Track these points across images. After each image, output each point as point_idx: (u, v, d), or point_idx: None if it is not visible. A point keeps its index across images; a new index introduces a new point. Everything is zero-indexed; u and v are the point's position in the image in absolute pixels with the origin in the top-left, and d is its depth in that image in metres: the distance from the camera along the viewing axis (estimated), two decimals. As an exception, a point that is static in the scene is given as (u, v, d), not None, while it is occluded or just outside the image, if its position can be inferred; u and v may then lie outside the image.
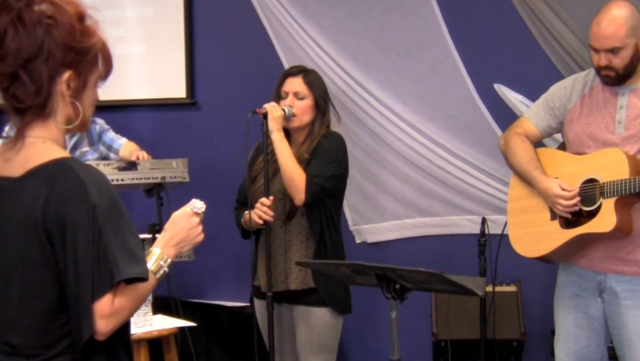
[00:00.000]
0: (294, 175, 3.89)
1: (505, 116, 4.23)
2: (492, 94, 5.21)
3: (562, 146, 3.92)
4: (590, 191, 3.62)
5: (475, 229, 4.80)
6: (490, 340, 4.75)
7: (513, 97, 5.11)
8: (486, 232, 4.64)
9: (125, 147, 5.26)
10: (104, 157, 5.36)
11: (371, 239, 5.69)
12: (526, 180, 3.84)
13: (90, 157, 5.31)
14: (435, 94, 5.36)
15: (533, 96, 4.27)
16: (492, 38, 5.24)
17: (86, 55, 2.16)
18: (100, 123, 5.42)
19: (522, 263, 3.95)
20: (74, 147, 5.31)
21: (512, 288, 4.98)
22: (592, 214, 3.61)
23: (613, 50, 3.57)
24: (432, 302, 5.02)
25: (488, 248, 4.58)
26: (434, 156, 5.36)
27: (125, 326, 2.22)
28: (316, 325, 4.00)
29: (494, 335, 4.78)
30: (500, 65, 5.22)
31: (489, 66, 5.25)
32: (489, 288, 4.76)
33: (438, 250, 5.45)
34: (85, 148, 5.34)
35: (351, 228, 5.68)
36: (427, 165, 5.40)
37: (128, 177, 4.87)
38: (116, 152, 5.28)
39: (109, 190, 2.12)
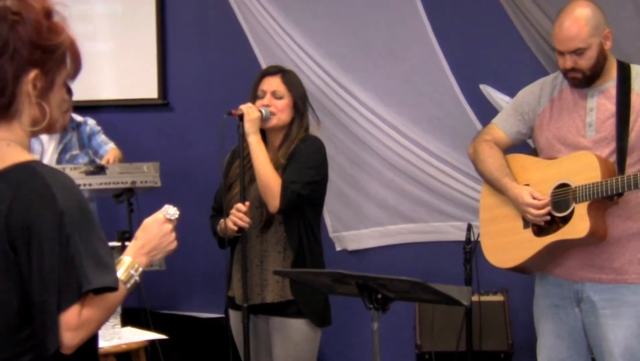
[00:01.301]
0: (270, 180, 3.88)
1: (492, 118, 4.24)
2: (478, 95, 5.24)
3: (534, 152, 3.94)
4: (563, 196, 3.64)
5: (461, 235, 4.82)
6: (477, 351, 4.77)
7: (500, 99, 5.14)
8: (472, 239, 4.65)
9: (109, 153, 5.26)
10: (92, 161, 5.36)
11: (352, 246, 5.70)
12: (496, 188, 3.87)
13: (81, 160, 5.31)
14: (419, 96, 5.39)
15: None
16: (477, 37, 5.27)
17: (53, 54, 2.15)
18: (90, 125, 5.42)
19: (510, 272, 3.96)
20: (64, 150, 5.31)
21: (499, 298, 5.00)
22: (566, 220, 3.62)
23: (577, 52, 3.59)
24: (416, 312, 5.04)
25: (474, 255, 4.60)
26: (418, 160, 5.38)
27: (93, 339, 2.21)
28: (293, 337, 3.99)
29: (480, 346, 4.80)
30: (486, 65, 5.26)
31: (475, 66, 5.28)
32: (475, 298, 4.78)
33: (422, 258, 5.48)
34: (76, 151, 5.34)
35: (331, 235, 5.69)
36: (410, 169, 5.42)
37: (96, 181, 4.86)
38: (102, 158, 5.27)
39: (77, 195, 2.11)
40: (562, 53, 3.63)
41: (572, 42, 3.58)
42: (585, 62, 3.60)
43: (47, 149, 5.31)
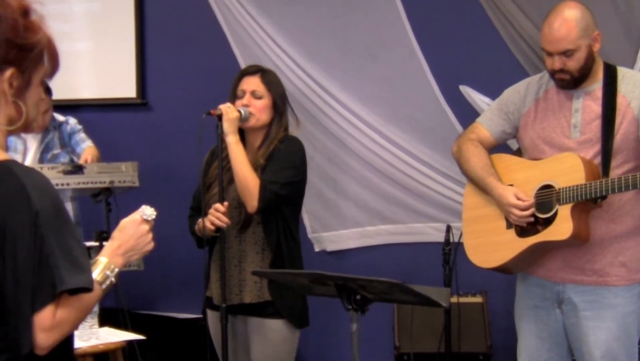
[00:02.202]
0: (248, 180, 3.87)
1: (472, 119, 4.24)
2: (458, 96, 5.25)
3: (519, 152, 3.96)
4: (546, 197, 3.65)
5: (440, 237, 4.83)
6: (455, 353, 4.78)
7: (480, 100, 5.15)
8: (451, 240, 4.66)
9: (85, 151, 5.25)
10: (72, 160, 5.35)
11: (331, 247, 5.71)
12: (481, 187, 3.87)
13: (62, 159, 5.30)
14: (398, 96, 5.39)
15: (501, 98, 4.31)
16: (458, 38, 5.28)
17: (30, 52, 2.15)
18: (71, 124, 5.42)
19: (489, 273, 3.97)
20: (46, 150, 5.30)
21: (478, 299, 5.01)
22: (549, 222, 3.63)
23: (566, 53, 3.60)
24: (395, 314, 5.04)
25: (453, 256, 4.61)
26: (397, 161, 5.39)
27: (68, 339, 2.20)
28: (271, 338, 3.99)
29: (459, 348, 4.81)
30: (466, 66, 5.26)
31: (455, 67, 5.29)
32: (454, 299, 4.79)
33: (401, 259, 5.48)
34: (57, 150, 5.33)
35: (310, 235, 5.69)
36: (390, 170, 5.43)
37: (74, 181, 4.84)
38: (79, 156, 5.26)
39: (52, 195, 2.10)
40: (550, 54, 3.63)
41: (561, 43, 3.58)
42: (574, 63, 3.61)
43: (29, 148, 5.29)
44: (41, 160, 5.24)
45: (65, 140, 5.35)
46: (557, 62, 3.62)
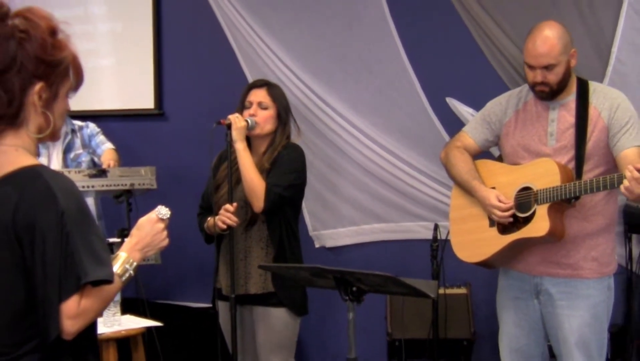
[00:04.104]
0: (255, 183, 3.88)
1: (457, 128, 4.25)
2: (444, 107, 5.24)
3: (500, 158, 3.96)
4: (526, 198, 3.66)
5: (428, 234, 4.82)
6: (442, 339, 4.77)
7: (464, 110, 5.14)
8: (438, 237, 4.66)
9: (105, 154, 5.26)
10: (94, 160, 5.36)
11: (329, 244, 5.70)
12: (466, 189, 3.88)
13: (84, 158, 5.30)
14: (391, 107, 5.38)
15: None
16: (444, 55, 5.28)
17: (57, 68, 2.15)
18: (91, 127, 5.42)
19: (472, 267, 3.97)
20: (67, 150, 5.30)
21: (462, 291, 5.00)
22: (528, 220, 3.64)
23: (548, 67, 3.60)
24: (387, 304, 5.03)
25: (440, 252, 4.61)
26: (390, 166, 5.38)
27: (92, 326, 2.21)
28: (275, 324, 4.00)
29: (445, 335, 4.80)
30: (452, 80, 5.25)
31: (441, 81, 5.28)
32: (441, 291, 4.79)
33: (393, 255, 5.47)
34: (79, 150, 5.33)
35: (311, 233, 5.68)
36: (383, 174, 5.42)
37: (98, 184, 4.85)
38: (99, 157, 5.27)
39: (77, 197, 2.11)
40: (533, 68, 3.63)
41: (544, 58, 3.59)
42: (554, 77, 3.61)
43: (53, 151, 5.29)
44: (64, 159, 5.25)
45: (86, 142, 5.35)
46: (538, 76, 3.62)
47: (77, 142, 5.33)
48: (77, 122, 5.42)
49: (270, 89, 4.12)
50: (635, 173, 3.22)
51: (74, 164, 5.21)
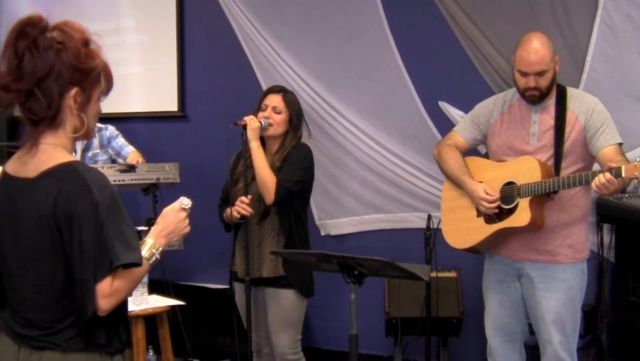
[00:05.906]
0: (267, 179, 3.89)
1: (448, 129, 4.25)
2: (437, 110, 5.23)
3: (486, 155, 3.96)
4: (509, 192, 3.66)
5: (422, 224, 4.83)
6: (434, 318, 4.77)
7: (454, 113, 5.13)
8: (431, 226, 4.67)
9: (132, 155, 5.27)
10: (112, 159, 5.36)
11: (334, 232, 5.69)
12: (456, 183, 3.88)
13: (101, 158, 5.31)
14: (389, 110, 5.37)
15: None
16: (437, 63, 5.26)
17: (90, 75, 2.17)
18: (110, 129, 5.41)
19: (461, 253, 3.97)
20: (86, 149, 5.30)
21: (452, 274, 4.99)
22: (511, 212, 3.65)
23: (540, 73, 3.60)
24: (385, 286, 5.02)
25: (432, 240, 4.61)
26: (388, 162, 5.37)
27: (123, 304, 2.23)
28: (284, 304, 4.01)
29: (437, 313, 4.80)
30: (444, 85, 5.24)
31: (435, 86, 5.27)
32: (433, 274, 4.79)
33: (390, 242, 5.46)
34: (97, 150, 5.33)
35: (317, 222, 5.68)
36: (381, 170, 5.41)
37: (128, 178, 4.87)
38: (124, 158, 5.28)
39: (109, 189, 2.13)
40: (526, 74, 3.62)
41: (537, 65, 3.58)
42: (544, 82, 3.61)
43: (76, 150, 5.30)
44: (83, 157, 5.25)
45: (104, 143, 5.35)
46: (531, 81, 3.61)
47: (95, 142, 5.32)
48: (97, 124, 5.41)
49: (286, 95, 4.11)
50: (602, 180, 3.27)
51: (91, 163, 5.21)
